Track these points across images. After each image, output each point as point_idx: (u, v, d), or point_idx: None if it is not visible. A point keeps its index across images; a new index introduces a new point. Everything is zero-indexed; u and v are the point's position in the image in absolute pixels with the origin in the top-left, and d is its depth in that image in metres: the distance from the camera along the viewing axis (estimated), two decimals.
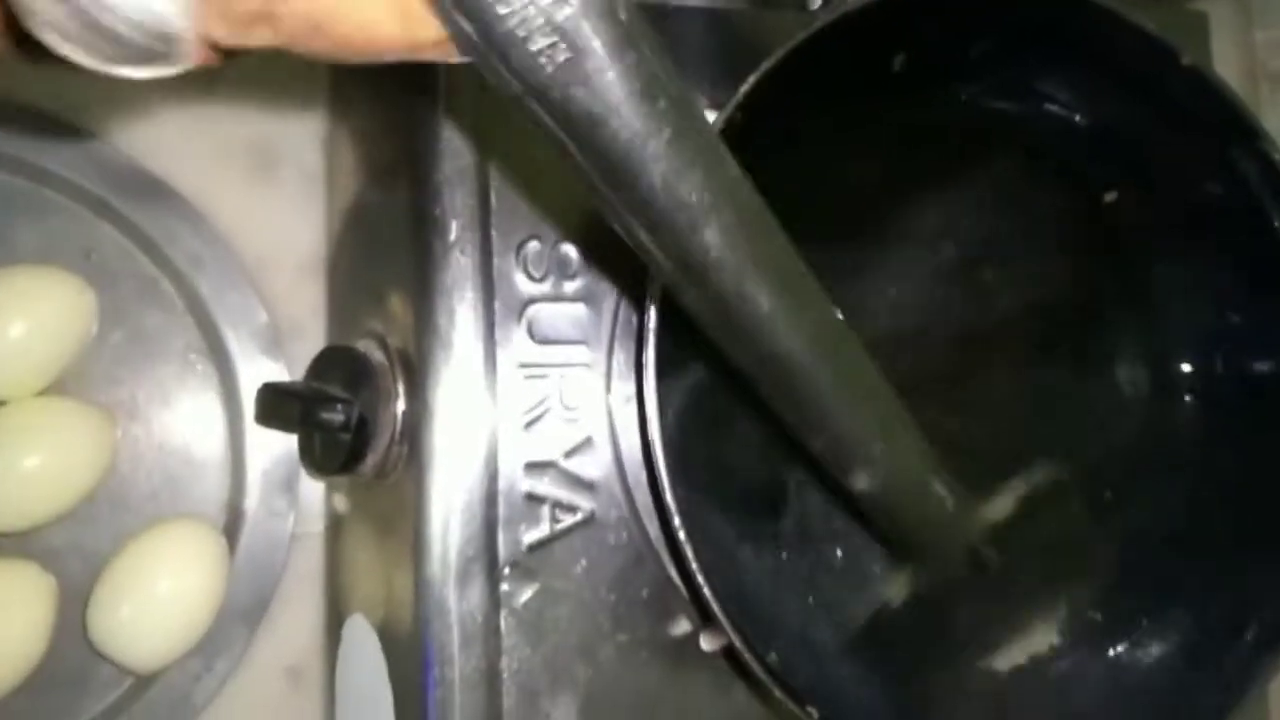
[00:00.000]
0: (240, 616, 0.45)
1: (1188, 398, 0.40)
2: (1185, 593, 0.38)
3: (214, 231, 0.46)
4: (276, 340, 0.46)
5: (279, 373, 0.46)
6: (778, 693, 0.31)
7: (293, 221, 0.47)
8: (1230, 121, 0.36)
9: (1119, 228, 0.40)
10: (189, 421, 0.46)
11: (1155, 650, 0.37)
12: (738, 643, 0.31)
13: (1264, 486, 0.38)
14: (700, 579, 0.31)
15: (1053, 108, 0.39)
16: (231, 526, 0.46)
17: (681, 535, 0.31)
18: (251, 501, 0.46)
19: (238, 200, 0.47)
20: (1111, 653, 0.38)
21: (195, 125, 0.47)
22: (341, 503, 0.44)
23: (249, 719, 0.46)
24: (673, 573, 0.38)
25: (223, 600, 0.44)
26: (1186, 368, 0.40)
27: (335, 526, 0.45)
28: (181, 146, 0.46)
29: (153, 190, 0.46)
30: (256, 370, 0.46)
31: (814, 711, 0.32)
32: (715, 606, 0.31)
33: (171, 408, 0.46)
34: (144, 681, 0.44)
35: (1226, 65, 0.38)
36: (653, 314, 0.32)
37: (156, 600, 0.42)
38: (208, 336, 0.46)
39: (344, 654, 0.42)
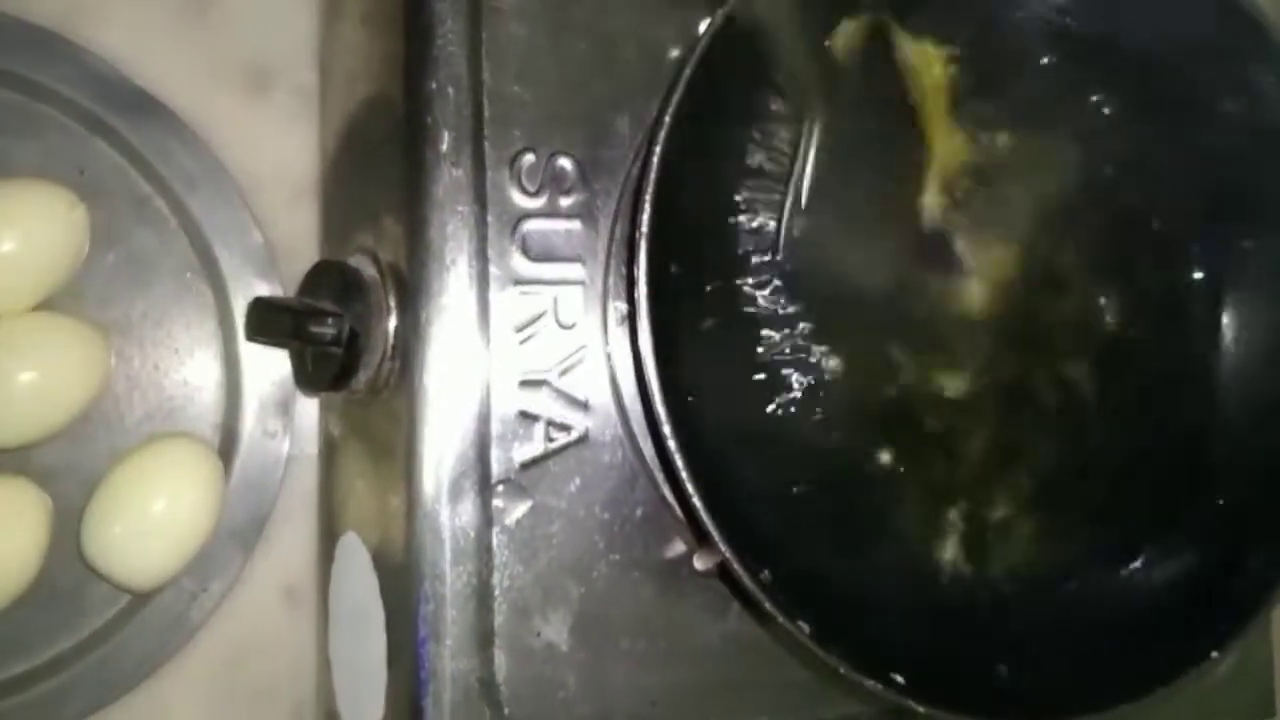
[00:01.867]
0: (236, 537, 0.45)
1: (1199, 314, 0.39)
2: (1190, 519, 0.37)
3: (208, 150, 0.45)
4: (271, 261, 0.46)
5: (272, 292, 0.46)
6: (768, 606, 0.31)
7: (287, 141, 0.46)
8: (1251, 38, 0.34)
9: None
10: (183, 342, 0.45)
11: (1160, 576, 0.37)
12: (729, 556, 0.31)
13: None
14: (691, 492, 0.31)
15: (1057, 19, 0.38)
16: (227, 447, 0.45)
17: (672, 445, 0.31)
18: (247, 422, 0.45)
19: (232, 118, 0.46)
20: (1117, 575, 0.37)
21: (190, 42, 0.46)
22: (336, 424, 0.44)
23: (245, 638, 0.46)
24: (667, 493, 0.38)
25: (218, 520, 0.44)
26: (1199, 275, 0.39)
27: (329, 448, 0.45)
28: (176, 63, 0.46)
29: (147, 107, 0.45)
30: (251, 291, 0.45)
31: (805, 626, 0.32)
32: (707, 520, 0.31)
33: (165, 328, 0.45)
34: (139, 600, 0.44)
35: None
36: (646, 223, 0.32)
37: (150, 519, 0.42)
38: (202, 256, 0.45)
39: (337, 573, 0.41)
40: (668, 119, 0.31)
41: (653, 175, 0.31)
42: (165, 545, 0.42)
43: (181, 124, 0.45)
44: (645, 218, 0.32)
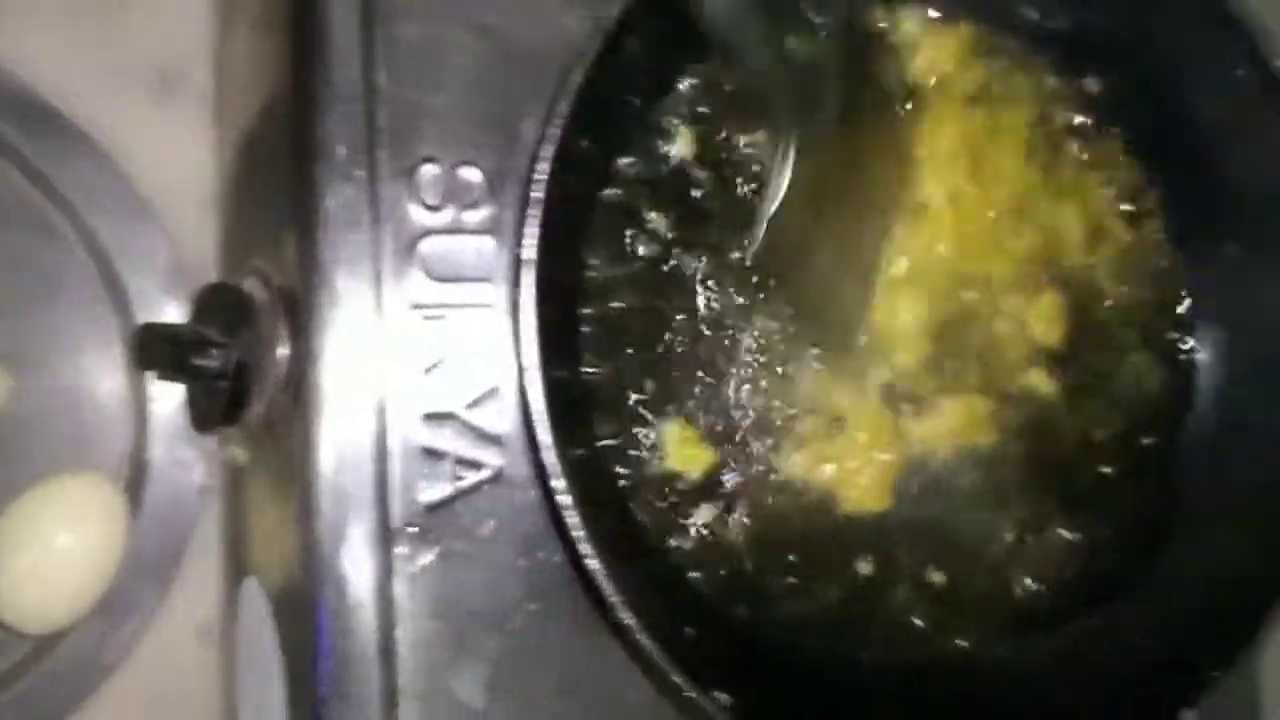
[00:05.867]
0: (147, 574, 0.42)
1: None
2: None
3: (112, 163, 0.43)
4: (181, 280, 0.43)
5: (183, 313, 0.43)
6: (674, 677, 0.27)
7: (197, 152, 0.43)
8: (1221, 20, 0.30)
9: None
10: (87, 367, 0.43)
11: (1124, 634, 0.33)
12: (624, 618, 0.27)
13: None
14: (587, 551, 0.27)
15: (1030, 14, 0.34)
16: (135, 479, 0.43)
17: (566, 501, 0.27)
18: (156, 452, 0.43)
19: (138, 129, 0.43)
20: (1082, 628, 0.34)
21: (92, 46, 0.43)
22: (240, 454, 0.40)
23: (162, 679, 0.43)
24: None
25: (126, 558, 0.41)
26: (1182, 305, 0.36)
27: (233, 478, 0.42)
28: (77, 70, 0.43)
29: (45, 118, 0.42)
30: (159, 312, 0.43)
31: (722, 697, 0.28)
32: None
33: (68, 353, 0.43)
34: (45, 643, 0.41)
35: None
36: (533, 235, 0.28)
37: (46, 561, 0.39)
38: (106, 277, 0.43)
39: (240, 620, 0.39)
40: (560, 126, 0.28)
41: (540, 196, 0.27)
42: (63, 587, 0.40)
43: (82, 134, 0.42)
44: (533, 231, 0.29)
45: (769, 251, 0.35)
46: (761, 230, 0.34)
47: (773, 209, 0.34)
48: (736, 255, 0.35)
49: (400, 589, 0.34)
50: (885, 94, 0.36)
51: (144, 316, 0.42)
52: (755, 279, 0.35)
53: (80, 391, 0.43)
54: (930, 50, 0.34)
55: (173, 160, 0.43)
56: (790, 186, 0.34)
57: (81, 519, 0.40)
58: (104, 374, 0.43)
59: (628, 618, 0.27)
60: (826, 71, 0.34)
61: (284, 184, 0.35)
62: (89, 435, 0.43)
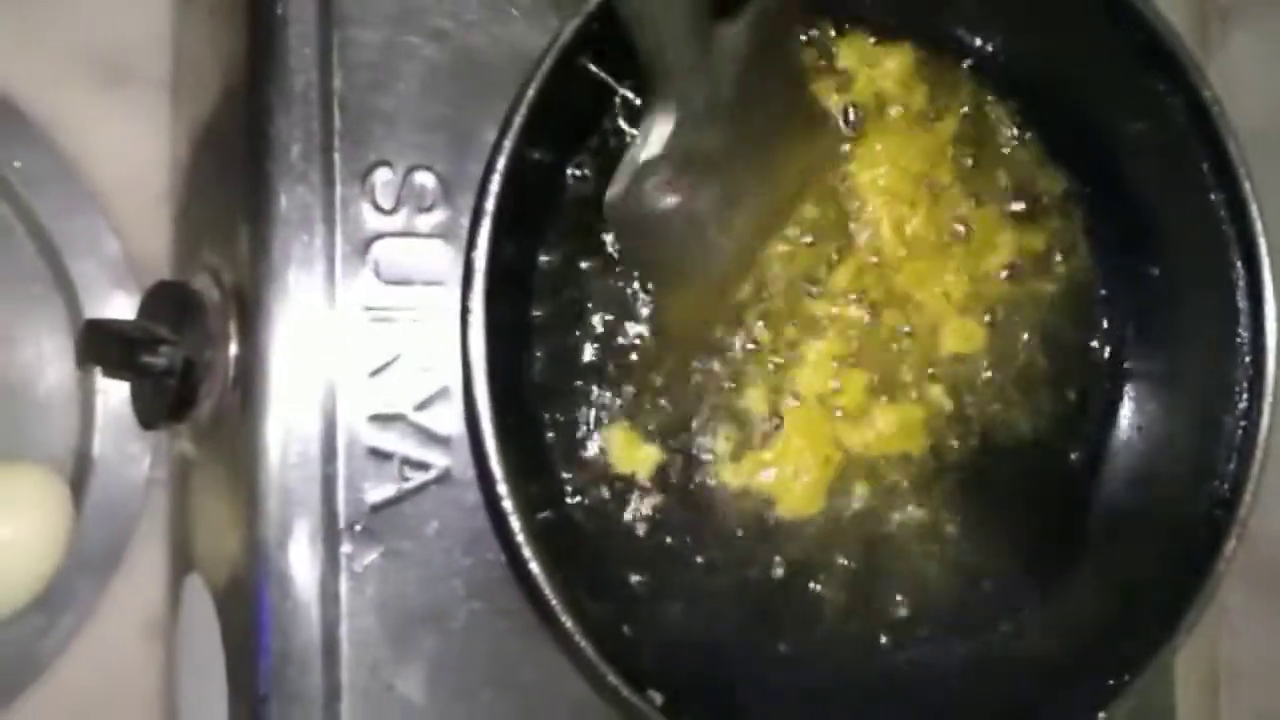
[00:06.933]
0: (90, 567, 0.42)
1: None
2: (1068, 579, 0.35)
3: (58, 151, 0.42)
4: (130, 272, 0.43)
5: (132, 308, 0.42)
6: (610, 679, 0.28)
7: (147, 140, 0.43)
8: (1151, 49, 0.31)
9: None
10: (32, 359, 0.42)
11: (1040, 637, 0.35)
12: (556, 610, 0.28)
13: None
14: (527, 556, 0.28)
15: (961, 33, 0.35)
16: (80, 471, 0.42)
17: (508, 505, 0.28)
18: (101, 444, 0.42)
19: (85, 116, 0.43)
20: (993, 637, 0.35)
21: (37, 31, 0.42)
22: (188, 448, 0.40)
23: (101, 674, 0.43)
24: None
25: (68, 551, 0.41)
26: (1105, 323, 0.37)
27: (182, 472, 0.42)
28: (21, 55, 0.42)
29: None
30: (106, 304, 0.42)
31: (656, 696, 0.29)
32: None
33: (12, 344, 0.42)
34: None
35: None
36: (484, 245, 0.28)
37: None
38: (52, 267, 0.42)
39: (183, 616, 0.39)
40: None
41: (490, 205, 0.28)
42: (4, 580, 0.39)
43: (27, 122, 0.42)
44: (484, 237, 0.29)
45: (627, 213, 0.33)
46: (623, 184, 0.32)
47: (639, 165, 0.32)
48: None
49: (344, 587, 0.34)
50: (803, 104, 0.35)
51: (92, 308, 0.42)
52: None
53: (25, 383, 0.42)
54: (872, 73, 0.35)
55: (124, 151, 0.43)
56: (664, 154, 0.32)
57: (24, 511, 0.40)
58: (49, 365, 0.42)
59: (566, 620, 0.28)
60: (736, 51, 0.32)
61: (238, 181, 0.35)
62: (33, 427, 0.42)
